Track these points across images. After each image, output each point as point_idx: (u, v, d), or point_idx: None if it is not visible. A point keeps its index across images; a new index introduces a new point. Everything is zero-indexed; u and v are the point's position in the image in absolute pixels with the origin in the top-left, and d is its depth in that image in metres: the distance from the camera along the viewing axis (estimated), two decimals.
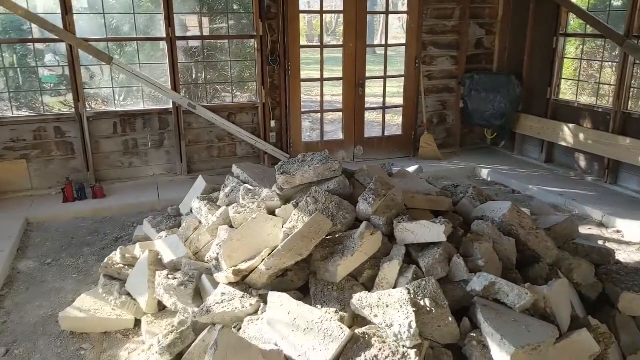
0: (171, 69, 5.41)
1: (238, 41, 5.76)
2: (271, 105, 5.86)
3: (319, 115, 6.12)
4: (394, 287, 2.73)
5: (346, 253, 2.78)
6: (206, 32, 5.65)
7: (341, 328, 2.34)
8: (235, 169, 3.80)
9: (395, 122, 7.62)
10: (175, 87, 5.45)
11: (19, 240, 4.40)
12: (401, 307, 2.33)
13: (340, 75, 6.02)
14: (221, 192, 3.67)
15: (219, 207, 3.55)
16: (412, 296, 2.39)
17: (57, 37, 5.00)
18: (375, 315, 2.40)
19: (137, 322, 3.17)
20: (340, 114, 6.20)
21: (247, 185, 3.54)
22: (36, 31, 5.01)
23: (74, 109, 5.23)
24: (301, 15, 5.72)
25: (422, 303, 2.37)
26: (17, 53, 5.29)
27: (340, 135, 6.26)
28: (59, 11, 4.98)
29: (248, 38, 5.72)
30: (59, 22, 4.98)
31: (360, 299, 2.48)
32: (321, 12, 5.77)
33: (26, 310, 3.44)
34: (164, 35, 5.31)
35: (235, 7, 5.67)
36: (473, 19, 6.50)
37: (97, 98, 5.48)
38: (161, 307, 3.20)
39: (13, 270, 3.98)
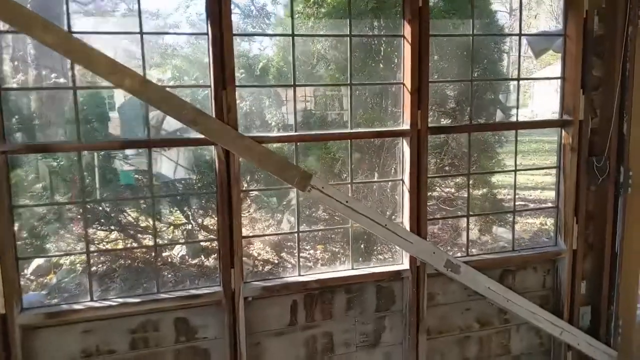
0: (413, 191, 2.72)
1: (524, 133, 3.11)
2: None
3: None
4: None
5: None
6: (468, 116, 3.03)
7: None
8: None
9: None
10: (418, 228, 2.75)
11: None
12: None
13: None
14: None
15: None
16: None
17: (200, 136, 2.44)
18: None
19: None
20: None
21: None
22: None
23: (220, 284, 2.57)
24: None
25: None
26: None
27: None
28: (209, 82, 2.46)
29: (551, 126, 3.05)
30: (206, 106, 2.48)
31: None
32: None
33: None
34: (406, 127, 2.68)
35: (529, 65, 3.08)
36: None
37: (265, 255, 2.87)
38: None
39: None
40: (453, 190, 5.48)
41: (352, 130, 2.72)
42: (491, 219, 5.38)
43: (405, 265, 2.80)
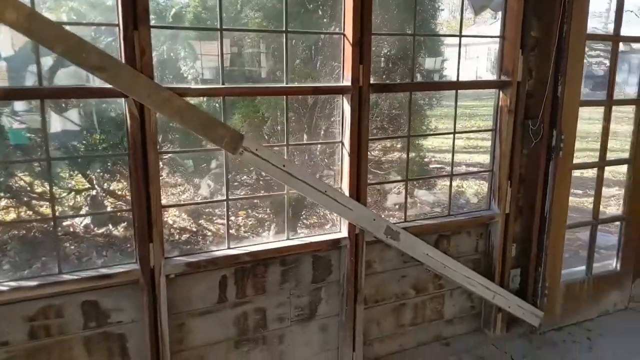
0: (354, 154, 2.53)
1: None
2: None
3: (588, 230, 3.38)
4: None
5: None
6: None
7: None
8: None
9: None
10: (357, 194, 2.58)
11: None
12: None
13: (626, 155, 3.35)
14: None
15: None
16: None
17: (106, 86, 2.04)
18: None
19: None
20: (618, 224, 3.51)
21: None
22: None
23: (136, 261, 2.24)
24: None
25: None
26: None
27: (613, 263, 3.54)
28: (116, 21, 2.05)
29: (489, 86, 2.96)
30: (112, 49, 2.09)
31: None
32: (616, 38, 3.11)
33: None
34: (347, 83, 2.45)
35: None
36: None
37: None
38: None
39: None
40: (380, 153, 5.41)
41: (288, 85, 2.45)
42: (415, 183, 5.42)
43: (343, 233, 2.64)
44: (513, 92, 2.87)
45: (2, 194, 5.03)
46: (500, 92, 2.93)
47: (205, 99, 4.19)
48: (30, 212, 5.13)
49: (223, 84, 2.35)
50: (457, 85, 2.85)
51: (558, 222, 3.13)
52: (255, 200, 5.48)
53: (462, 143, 11.32)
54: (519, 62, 2.85)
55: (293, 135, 3.88)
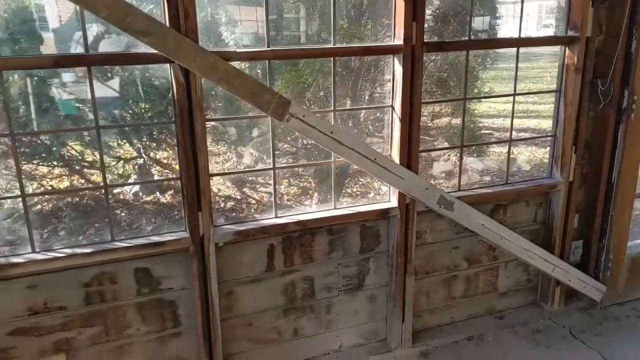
0: (405, 119, 2.41)
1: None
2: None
3: None
4: None
5: None
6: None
7: None
8: None
9: None
10: (409, 162, 2.47)
11: None
12: None
13: None
14: None
15: None
16: None
17: (151, 52, 2.00)
18: None
19: None
20: None
21: None
22: None
23: (185, 229, 2.25)
24: None
25: None
26: None
27: None
28: None
29: (556, 43, 2.75)
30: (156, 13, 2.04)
31: None
32: None
33: None
34: (399, 42, 2.31)
35: None
36: None
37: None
38: None
39: None
40: (427, 118, 5.22)
41: (337, 46, 2.34)
42: (466, 150, 5.23)
43: (393, 203, 2.55)
44: (581, 48, 2.65)
45: (55, 163, 5.20)
46: (567, 49, 2.70)
47: (247, 65, 4.13)
48: (82, 180, 5.30)
49: (268, 46, 2.26)
50: (519, 42, 2.64)
51: (626, 190, 2.93)
52: (298, 169, 5.44)
53: (511, 107, 10.91)
54: (588, 15, 2.61)
55: (337, 101, 3.79)
